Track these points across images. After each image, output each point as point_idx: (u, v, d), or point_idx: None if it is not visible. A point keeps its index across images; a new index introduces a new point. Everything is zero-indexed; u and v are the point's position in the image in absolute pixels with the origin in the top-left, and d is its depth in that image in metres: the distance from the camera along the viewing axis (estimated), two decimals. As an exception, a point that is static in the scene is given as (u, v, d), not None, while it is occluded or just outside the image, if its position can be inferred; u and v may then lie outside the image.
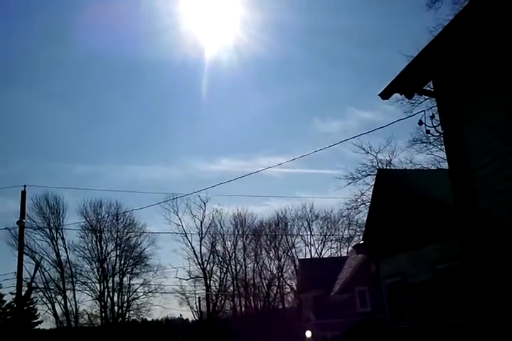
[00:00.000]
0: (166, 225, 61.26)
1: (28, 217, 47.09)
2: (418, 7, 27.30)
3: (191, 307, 59.21)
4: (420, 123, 8.54)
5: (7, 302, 53.03)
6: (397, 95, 9.11)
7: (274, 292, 59.43)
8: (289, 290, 58.67)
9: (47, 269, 56.31)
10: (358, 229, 44.15)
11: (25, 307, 50.56)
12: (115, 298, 58.10)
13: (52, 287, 56.40)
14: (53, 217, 57.40)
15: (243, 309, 59.93)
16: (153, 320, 64.52)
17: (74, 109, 78.32)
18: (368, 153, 35.83)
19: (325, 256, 55.39)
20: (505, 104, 7.31)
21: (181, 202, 60.14)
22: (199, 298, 57.05)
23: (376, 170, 27.21)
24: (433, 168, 29.25)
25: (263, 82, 79.34)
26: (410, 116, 11.18)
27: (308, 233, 59.09)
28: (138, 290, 59.00)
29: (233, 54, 74.65)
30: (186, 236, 59.18)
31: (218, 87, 77.02)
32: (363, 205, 34.88)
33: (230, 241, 60.57)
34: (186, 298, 59.00)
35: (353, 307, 32.95)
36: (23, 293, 31.10)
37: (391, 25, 69.85)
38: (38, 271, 54.42)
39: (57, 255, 56.87)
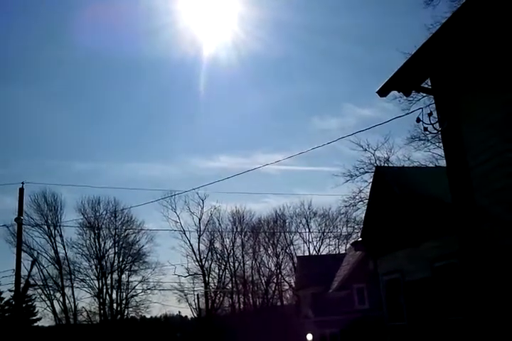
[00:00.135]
0: (164, 222, 61.44)
1: (26, 214, 47.21)
2: (416, 5, 27.19)
3: (190, 305, 59.46)
4: (418, 120, 8.51)
5: (5, 300, 53.17)
6: (394, 92, 9.07)
7: (273, 289, 59.60)
8: (287, 287, 58.93)
9: (45, 266, 56.48)
10: (356, 227, 44.31)
11: (24, 305, 50.60)
12: (114, 295, 58.30)
13: (50, 284, 56.58)
14: (51, 214, 57.57)
15: (242, 306, 60.04)
16: (151, 317, 64.76)
17: (73, 107, 78.42)
18: (366, 150, 35.93)
19: (323, 253, 55.59)
20: (504, 102, 7.29)
21: (179, 199, 60.16)
22: (198, 295, 57.28)
23: (374, 168, 27.24)
24: (431, 165, 29.34)
25: (261, 80, 79.53)
26: (408, 114, 11.18)
27: (307, 230, 59.28)
28: (136, 288, 59.22)
29: (231, 51, 74.91)
30: (184, 233, 59.34)
31: (216, 84, 77.34)
32: (361, 202, 34.96)
33: (228, 238, 60.77)
34: (185, 295, 59.19)
35: (351, 304, 32.98)
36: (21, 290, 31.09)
37: (390, 25, 69.96)
38: (36, 268, 54.52)
39: (56, 252, 57.04)
